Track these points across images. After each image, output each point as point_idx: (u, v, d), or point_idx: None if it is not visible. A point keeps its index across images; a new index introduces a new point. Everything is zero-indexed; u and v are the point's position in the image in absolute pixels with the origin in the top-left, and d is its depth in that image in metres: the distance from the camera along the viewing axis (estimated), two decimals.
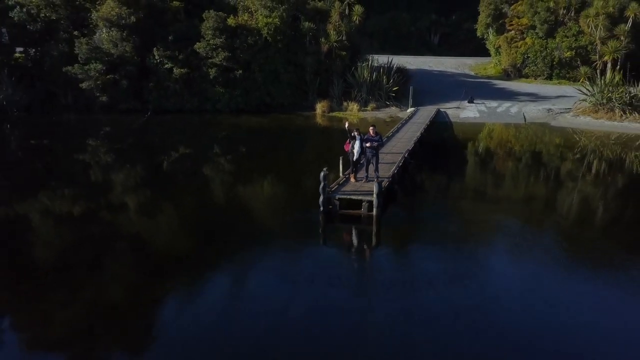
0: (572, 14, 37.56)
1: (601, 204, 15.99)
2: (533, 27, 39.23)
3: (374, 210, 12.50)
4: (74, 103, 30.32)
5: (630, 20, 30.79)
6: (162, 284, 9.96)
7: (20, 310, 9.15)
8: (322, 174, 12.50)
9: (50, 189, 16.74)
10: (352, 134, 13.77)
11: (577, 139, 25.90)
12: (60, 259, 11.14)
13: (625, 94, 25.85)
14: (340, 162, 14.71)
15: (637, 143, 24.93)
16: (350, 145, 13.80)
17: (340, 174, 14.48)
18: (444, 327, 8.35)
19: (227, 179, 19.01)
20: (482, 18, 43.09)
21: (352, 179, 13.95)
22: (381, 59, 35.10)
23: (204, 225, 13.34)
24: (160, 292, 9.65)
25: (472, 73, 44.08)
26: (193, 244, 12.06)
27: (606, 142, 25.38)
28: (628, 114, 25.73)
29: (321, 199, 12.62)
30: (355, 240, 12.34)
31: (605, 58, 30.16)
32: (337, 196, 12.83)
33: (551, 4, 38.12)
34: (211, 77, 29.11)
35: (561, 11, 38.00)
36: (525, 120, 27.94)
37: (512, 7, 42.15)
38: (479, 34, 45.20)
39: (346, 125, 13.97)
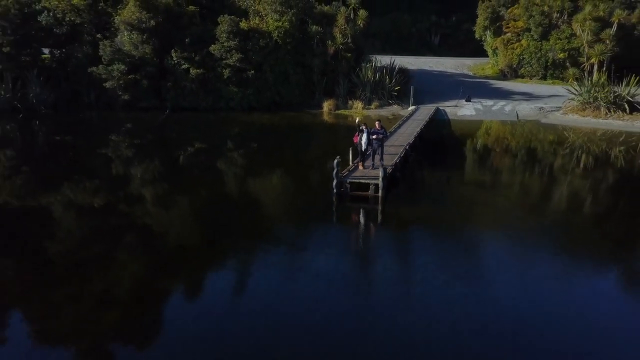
0: (565, 18, 39.79)
1: (584, 190, 18.32)
2: (528, 30, 41.44)
3: (380, 192, 14.80)
4: (96, 101, 32.64)
5: (615, 25, 33.03)
6: (197, 267, 11.42)
7: (34, 300, 10.00)
8: (335, 161, 14.81)
9: (73, 182, 18.43)
10: (361, 128, 16.07)
11: (566, 135, 28.15)
12: (75, 250, 12.31)
13: (610, 93, 28.14)
14: (350, 152, 16.99)
15: (621, 139, 27.18)
16: (359, 137, 16.09)
17: (350, 162, 16.76)
18: (431, 270, 10.70)
19: (244, 170, 21.30)
20: (480, 21, 45.32)
21: (361, 167, 16.23)
22: (383, 60, 37.35)
23: (230, 209, 15.67)
24: (196, 275, 11.18)
25: (471, 73, 46.32)
26: (221, 225, 14.36)
27: (592, 138, 27.63)
28: (612, 112, 28.02)
29: (334, 182, 14.92)
30: (363, 217, 14.65)
31: (592, 60, 32.44)
32: (348, 180, 15.14)
33: (545, 8, 40.34)
34: (225, 77, 31.40)
35: (555, 15, 40.21)
36: (518, 118, 30.22)
37: (509, 10, 44.40)
38: (477, 35, 47.42)
39: (357, 120, 16.27)
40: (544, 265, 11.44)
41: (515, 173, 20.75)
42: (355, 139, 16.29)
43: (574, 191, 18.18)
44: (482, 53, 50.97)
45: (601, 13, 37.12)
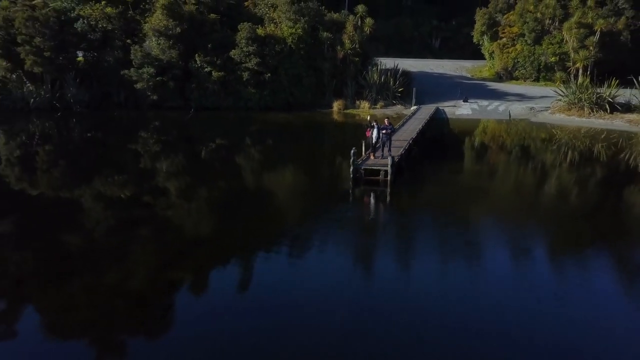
0: (557, 24, 43.09)
1: (568, 178, 21.70)
2: (522, 35, 44.77)
3: (388, 177, 18.14)
4: (125, 101, 35.96)
5: (598, 33, 36.37)
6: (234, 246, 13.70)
7: (51, 290, 11.29)
8: (352, 151, 18.15)
9: (103, 175, 20.85)
10: (372, 124, 19.42)
11: (554, 132, 31.49)
12: (96, 241, 14.04)
13: (593, 95, 31.48)
14: (363, 144, 20.31)
15: (602, 136, 30.50)
16: (371, 132, 19.43)
17: (363, 153, 20.08)
18: (429, 234, 14.12)
19: (267, 162, 24.70)
20: (478, 26, 48.64)
21: (372, 157, 19.56)
22: (386, 62, 40.68)
23: (259, 193, 19.04)
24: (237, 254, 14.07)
25: (469, 75, 49.62)
26: (253, 207, 17.72)
27: (577, 135, 30.98)
28: (595, 112, 31.37)
29: (351, 169, 18.26)
30: (375, 196, 18.01)
31: (577, 65, 35.77)
32: (362, 167, 18.48)
33: (538, 15, 43.66)
34: (244, 79, 34.76)
35: (547, 21, 43.54)
36: (510, 117, 33.57)
37: (505, 16, 47.75)
38: (475, 40, 50.73)
39: (368, 118, 19.62)
40: (522, 230, 14.83)
41: (505, 164, 24.19)
42: (368, 134, 19.63)
43: (558, 179, 21.56)
44: (480, 56, 54.20)
45: (589, 20, 40.45)
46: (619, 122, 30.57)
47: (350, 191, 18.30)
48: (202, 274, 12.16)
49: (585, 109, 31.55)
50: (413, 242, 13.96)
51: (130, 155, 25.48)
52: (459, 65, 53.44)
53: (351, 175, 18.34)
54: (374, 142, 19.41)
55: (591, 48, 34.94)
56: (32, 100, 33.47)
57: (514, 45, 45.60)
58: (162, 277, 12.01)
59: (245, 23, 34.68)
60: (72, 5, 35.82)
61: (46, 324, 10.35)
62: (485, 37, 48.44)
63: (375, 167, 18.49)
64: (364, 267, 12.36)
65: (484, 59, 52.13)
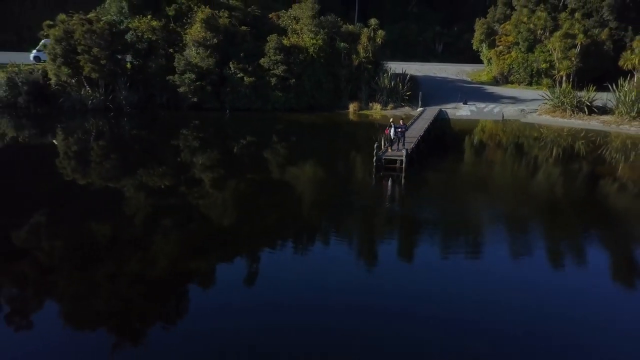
0: (547, 34, 48.79)
1: (551, 166, 27.51)
2: (517, 44, 50.48)
3: (403, 165, 23.86)
4: (166, 103, 41.61)
5: (579, 46, 42.06)
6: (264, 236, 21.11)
7: (76, 277, 13.53)
8: (375, 145, 23.88)
9: (147, 167, 25.66)
10: (390, 124, 25.15)
11: (541, 131, 37.24)
12: (128, 228, 16.95)
13: (574, 99, 37.21)
14: (382, 140, 26.00)
15: (581, 134, 36.23)
16: (389, 130, 25.14)
17: (382, 147, 25.79)
18: (433, 203, 19.98)
19: (296, 154, 30.39)
20: (477, 35, 54.33)
21: (389, 150, 25.27)
22: (393, 65, 46.29)
23: (292, 179, 24.77)
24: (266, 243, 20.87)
25: (469, 79, 55.33)
26: (289, 190, 23.47)
27: (560, 134, 36.72)
28: (575, 114, 37.12)
29: (374, 158, 23.98)
30: (392, 180, 23.76)
31: (561, 73, 41.49)
32: (383, 157, 24.21)
33: (531, 26, 49.38)
34: (272, 84, 40.47)
35: (539, 31, 49.25)
36: (503, 118, 39.32)
37: (502, 26, 53.51)
38: (474, 47, 56.44)
39: (391, 120, 25.38)
40: (505, 200, 20.63)
41: (498, 157, 29.98)
42: (387, 131, 25.35)
43: (542, 167, 27.34)
44: (479, 60, 59.79)
45: (576, 31, 46.17)
46: (594, 123, 36.32)
47: (374, 175, 24.02)
48: (240, 259, 15.50)
49: (568, 111, 37.32)
50: (422, 206, 19.74)
51: (172, 150, 30.79)
52: (460, 70, 59.12)
53: (374, 164, 24.08)
54: (391, 138, 25.12)
55: (573, 59, 40.68)
56: (89, 102, 39.16)
57: (509, 52, 51.31)
58: (185, 265, 14.73)
59: (273, 35, 40.38)
60: (121, 18, 41.49)
61: (66, 311, 12.24)
62: (483, 44, 54.15)
63: (392, 157, 24.25)
64: (391, 221, 18.15)
65: (483, 63, 57.85)
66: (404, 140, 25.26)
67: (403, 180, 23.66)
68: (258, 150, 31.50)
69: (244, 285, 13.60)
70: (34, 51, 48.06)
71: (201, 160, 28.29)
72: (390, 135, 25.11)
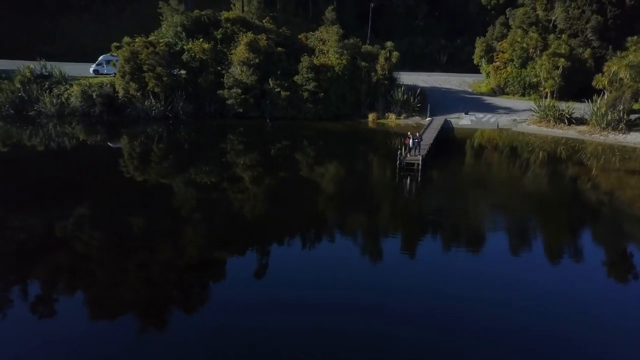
0: (538, 52, 57.32)
1: (539, 167, 36.21)
2: (512, 60, 58.98)
3: (420, 167, 32.45)
4: (214, 112, 50.02)
5: (561, 68, 50.62)
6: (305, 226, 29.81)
7: (109, 265, 18.30)
8: (399, 151, 32.48)
9: (197, 166, 34.52)
10: (409, 135, 33.75)
11: (529, 138, 45.87)
12: (169, 220, 23.26)
13: (556, 111, 45.80)
14: (403, 147, 34.53)
15: (562, 142, 44.83)
16: (409, 140, 33.71)
17: (403, 153, 34.34)
18: (444, 194, 28.75)
19: (327, 156, 39.00)
20: (478, 51, 62.82)
21: (409, 155, 33.82)
22: (404, 76, 54.72)
23: (326, 177, 33.47)
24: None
25: (470, 90, 63.80)
26: (321, 189, 32.12)
27: (545, 140, 45.34)
28: (557, 124, 45.72)
29: (398, 161, 32.54)
30: (412, 177, 32.36)
31: (546, 90, 50.04)
32: (405, 160, 32.79)
33: (524, 45, 57.91)
34: (304, 97, 48.96)
35: (531, 50, 57.78)
36: (498, 127, 47.91)
37: (499, 43, 62.02)
38: (475, 62, 64.87)
39: (409, 133, 33.99)
40: (500, 192, 29.34)
41: (495, 159, 38.65)
42: (407, 141, 33.91)
43: (530, 167, 36.02)
44: (479, 71, 68.24)
45: (563, 51, 54.70)
46: (572, 132, 44.94)
47: (397, 174, 32.59)
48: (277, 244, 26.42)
49: (551, 122, 45.90)
50: (434, 197, 28.40)
51: (219, 152, 39.66)
52: (462, 81, 67.59)
53: (398, 165, 32.65)
54: (410, 146, 33.70)
55: (556, 79, 49.30)
56: (152, 111, 47.64)
57: (505, 67, 59.82)
58: (215, 254, 20.88)
59: (306, 57, 48.88)
60: (176, 40, 49.94)
61: (96, 297, 15.59)
62: (483, 60, 62.65)
63: (411, 161, 32.86)
64: (416, 205, 26.79)
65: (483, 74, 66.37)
66: (419, 147, 33.89)
67: (419, 179, 32.29)
68: (292, 152, 40.32)
69: (285, 269, 20.03)
70: (94, 65, 56.37)
71: (243, 161, 37.10)
72: (409, 144, 33.74)
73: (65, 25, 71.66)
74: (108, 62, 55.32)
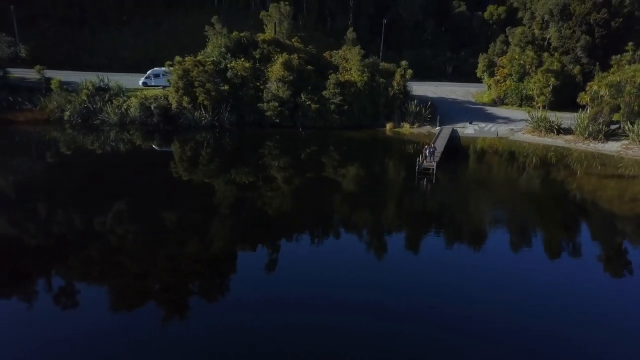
0: (534, 68, 66.55)
1: (531, 168, 45.66)
2: (511, 75, 68.23)
3: (434, 170, 41.69)
4: (252, 121, 59.14)
5: (551, 86, 59.87)
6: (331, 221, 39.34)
7: (141, 256, 26.10)
8: (417, 158, 41.72)
9: (237, 167, 43.95)
10: (425, 146, 43.02)
11: (524, 145, 55.14)
12: (201, 215, 31.16)
13: (547, 122, 55.05)
14: (421, 155, 43.69)
15: (552, 149, 54.08)
16: (425, 149, 42.95)
17: (421, 159, 43.50)
18: (455, 191, 38.25)
19: (353, 159, 48.31)
20: (480, 66, 72.07)
21: (425, 161, 43.03)
22: (414, 86, 63.89)
23: (353, 177, 42.91)
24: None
25: (473, 100, 73.03)
26: (348, 189, 41.52)
27: (537, 147, 54.62)
28: (548, 134, 54.98)
29: (417, 167, 41.78)
30: (429, 179, 41.63)
31: (539, 105, 59.31)
32: (422, 166, 42.03)
33: (521, 62, 67.16)
34: (331, 109, 58.13)
35: (527, 66, 67.04)
36: (497, 135, 57.17)
37: (499, 59, 71.26)
38: (478, 75, 74.11)
39: (425, 145, 43.26)
40: (502, 190, 38.75)
41: (497, 163, 48.05)
42: (423, 150, 43.13)
43: (526, 170, 45.41)
44: (482, 81, 77.46)
45: (555, 67, 63.93)
46: (560, 141, 54.21)
47: (416, 177, 41.78)
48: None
49: (542, 132, 55.17)
50: (448, 194, 37.75)
51: (257, 156, 49.11)
52: (466, 91, 76.85)
53: (417, 169, 41.85)
54: (427, 154, 42.88)
55: (547, 95, 58.60)
56: (202, 121, 56.79)
57: (505, 81, 69.07)
58: (240, 247, 34.91)
59: (333, 75, 58.06)
60: (220, 59, 59.07)
61: (123, 287, 20.42)
62: (485, 74, 71.93)
63: (428, 167, 42.09)
64: (437, 197, 36.13)
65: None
66: (434, 155, 43.15)
67: (434, 180, 41.52)
68: (319, 156, 49.75)
69: (310, 265, 29.95)
70: (143, 78, 65.43)
71: (277, 163, 46.41)
72: (426, 152, 42.99)
73: (106, 39, 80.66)
74: (156, 75, 64.55)
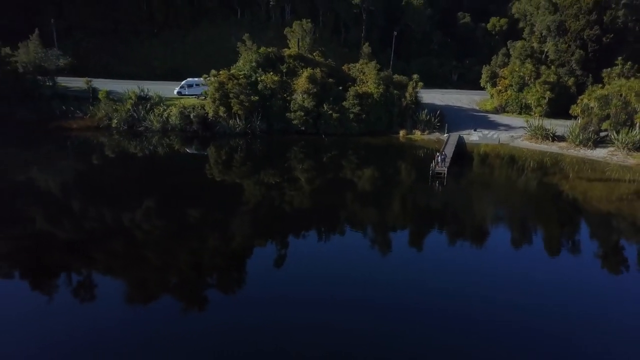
0: (532, 80, 74.54)
1: (530, 171, 53.88)
2: (511, 85, 76.24)
3: (445, 174, 49.73)
4: (280, 129, 67.03)
5: (547, 98, 67.90)
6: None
7: (162, 249, 35.04)
8: (431, 164, 49.79)
9: (265, 169, 52.92)
10: (437, 153, 51.09)
11: (523, 151, 63.19)
12: (221, 212, 39.75)
13: (543, 130, 63.09)
14: (434, 160, 51.66)
15: (547, 154, 62.10)
16: (437, 156, 51.00)
17: (434, 164, 51.46)
18: (465, 190, 46.51)
19: (366, 163, 56.40)
20: (484, 77, 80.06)
21: (437, 166, 51.03)
22: (422, 94, 71.86)
23: (370, 180, 51.11)
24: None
25: (477, 108, 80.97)
26: (366, 190, 49.70)
27: (535, 153, 62.68)
28: (543, 141, 63.01)
29: (430, 171, 49.81)
30: (441, 181, 49.69)
31: (536, 115, 67.40)
32: (435, 170, 50.07)
33: (521, 74, 75.16)
34: (350, 118, 66.08)
35: (526, 78, 75.05)
36: (499, 142, 65.22)
37: (501, 70, 79.28)
38: (482, 85, 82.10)
39: (437, 151, 51.31)
40: (504, 188, 46.95)
41: (499, 166, 56.22)
42: (435, 157, 51.15)
43: (525, 172, 53.58)
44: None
45: (551, 79, 71.92)
46: (555, 147, 62.27)
47: (429, 180, 49.78)
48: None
49: (539, 139, 63.22)
50: (458, 194, 45.86)
51: (284, 159, 57.39)
52: (471, 99, 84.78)
53: (430, 173, 49.86)
54: (439, 161, 50.86)
55: (543, 106, 66.68)
56: (236, 128, 64.72)
57: (506, 91, 77.10)
58: (258, 242, 43.59)
59: (352, 87, 66.04)
60: (251, 72, 66.97)
61: (144, 279, 24.66)
62: (488, 84, 79.97)
63: (440, 171, 50.13)
64: (449, 197, 44.27)
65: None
66: (444, 161, 51.18)
67: (445, 183, 49.54)
68: (340, 159, 57.84)
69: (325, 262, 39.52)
70: (177, 88, 73.25)
71: (301, 166, 54.47)
72: (438, 159, 51.01)
73: (138, 49, 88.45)
74: (190, 85, 72.43)
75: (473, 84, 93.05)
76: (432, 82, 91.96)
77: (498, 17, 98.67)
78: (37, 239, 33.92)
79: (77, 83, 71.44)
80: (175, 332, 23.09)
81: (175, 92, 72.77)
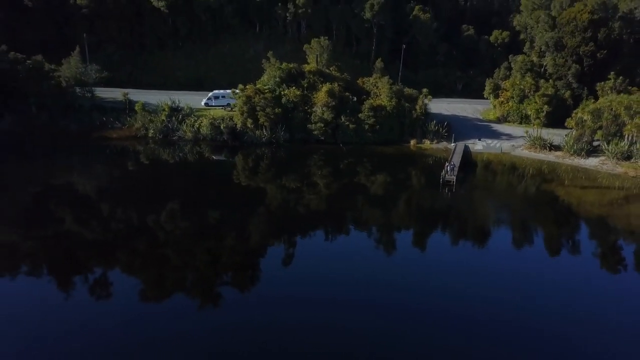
0: (532, 92, 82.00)
1: (529, 177, 61.48)
2: (512, 97, 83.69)
3: (454, 182, 57.18)
4: (301, 139, 74.39)
5: (545, 111, 75.34)
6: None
7: (180, 248, 40.02)
8: (442, 172, 57.29)
9: (287, 175, 60.78)
10: (446, 162, 58.59)
11: (523, 159, 70.67)
12: (239, 214, 47.26)
13: (541, 141, 70.55)
14: (444, 169, 59.07)
15: (545, 163, 69.52)
16: (446, 165, 58.46)
17: (444, 173, 58.86)
18: (471, 195, 54.14)
19: (383, 171, 63.97)
20: (487, 89, 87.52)
21: (447, 175, 58.46)
22: (429, 104, 79.31)
23: (382, 186, 58.73)
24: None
25: (481, 117, 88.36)
26: (378, 195, 57.27)
27: (534, 162, 70.15)
28: (541, 150, 70.47)
29: (441, 179, 57.29)
30: (450, 188, 57.15)
31: (535, 126, 74.89)
32: (445, 178, 57.52)
33: (522, 86, 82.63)
34: (366, 129, 73.48)
35: (526, 90, 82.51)
36: (501, 151, 72.69)
37: (503, 82, 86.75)
38: (485, 96, 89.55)
39: (445, 160, 58.83)
40: (506, 191, 54.56)
41: (501, 173, 63.84)
42: (445, 166, 58.59)
43: (525, 178, 61.16)
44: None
45: (550, 92, 79.36)
46: (551, 156, 69.76)
47: (440, 186, 57.22)
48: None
49: (538, 148, 70.71)
50: (466, 198, 53.40)
51: (304, 166, 64.98)
52: (475, 109, 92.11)
53: (441, 181, 57.31)
54: (448, 170, 58.28)
55: (542, 118, 74.19)
56: (262, 138, 72.11)
57: (507, 102, 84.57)
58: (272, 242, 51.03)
59: (367, 100, 73.48)
60: (275, 87, 74.38)
61: (160, 277, 29.04)
62: (491, 95, 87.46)
63: (449, 179, 57.57)
64: (459, 199, 51.82)
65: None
66: (453, 169, 58.64)
67: (454, 189, 56.96)
68: (355, 166, 65.45)
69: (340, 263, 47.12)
70: (205, 99, 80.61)
71: (320, 172, 62.02)
72: (447, 168, 58.47)
73: (162, 61, 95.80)
74: (216, 97, 79.90)
75: (477, 94, 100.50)
76: (438, 92, 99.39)
77: (500, 30, 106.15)
78: (69, 238, 38.96)
79: (108, 94, 79.24)
80: (182, 330, 24.56)
81: (202, 103, 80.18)
